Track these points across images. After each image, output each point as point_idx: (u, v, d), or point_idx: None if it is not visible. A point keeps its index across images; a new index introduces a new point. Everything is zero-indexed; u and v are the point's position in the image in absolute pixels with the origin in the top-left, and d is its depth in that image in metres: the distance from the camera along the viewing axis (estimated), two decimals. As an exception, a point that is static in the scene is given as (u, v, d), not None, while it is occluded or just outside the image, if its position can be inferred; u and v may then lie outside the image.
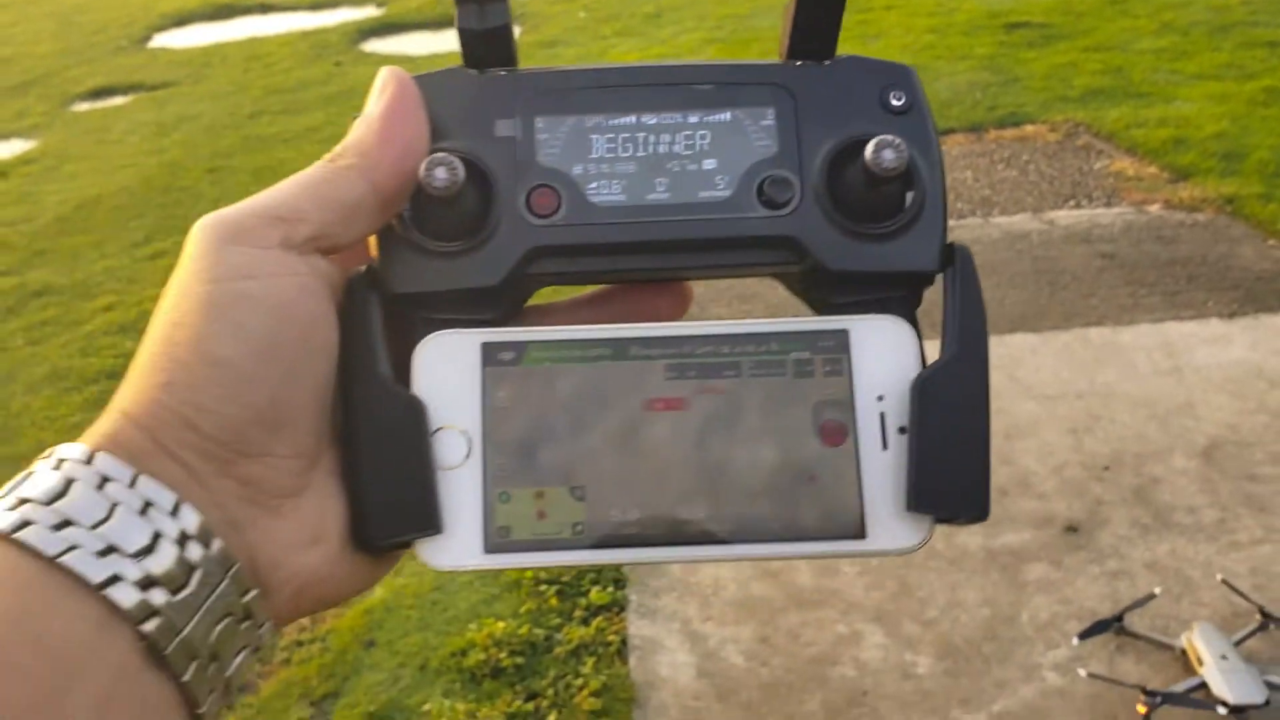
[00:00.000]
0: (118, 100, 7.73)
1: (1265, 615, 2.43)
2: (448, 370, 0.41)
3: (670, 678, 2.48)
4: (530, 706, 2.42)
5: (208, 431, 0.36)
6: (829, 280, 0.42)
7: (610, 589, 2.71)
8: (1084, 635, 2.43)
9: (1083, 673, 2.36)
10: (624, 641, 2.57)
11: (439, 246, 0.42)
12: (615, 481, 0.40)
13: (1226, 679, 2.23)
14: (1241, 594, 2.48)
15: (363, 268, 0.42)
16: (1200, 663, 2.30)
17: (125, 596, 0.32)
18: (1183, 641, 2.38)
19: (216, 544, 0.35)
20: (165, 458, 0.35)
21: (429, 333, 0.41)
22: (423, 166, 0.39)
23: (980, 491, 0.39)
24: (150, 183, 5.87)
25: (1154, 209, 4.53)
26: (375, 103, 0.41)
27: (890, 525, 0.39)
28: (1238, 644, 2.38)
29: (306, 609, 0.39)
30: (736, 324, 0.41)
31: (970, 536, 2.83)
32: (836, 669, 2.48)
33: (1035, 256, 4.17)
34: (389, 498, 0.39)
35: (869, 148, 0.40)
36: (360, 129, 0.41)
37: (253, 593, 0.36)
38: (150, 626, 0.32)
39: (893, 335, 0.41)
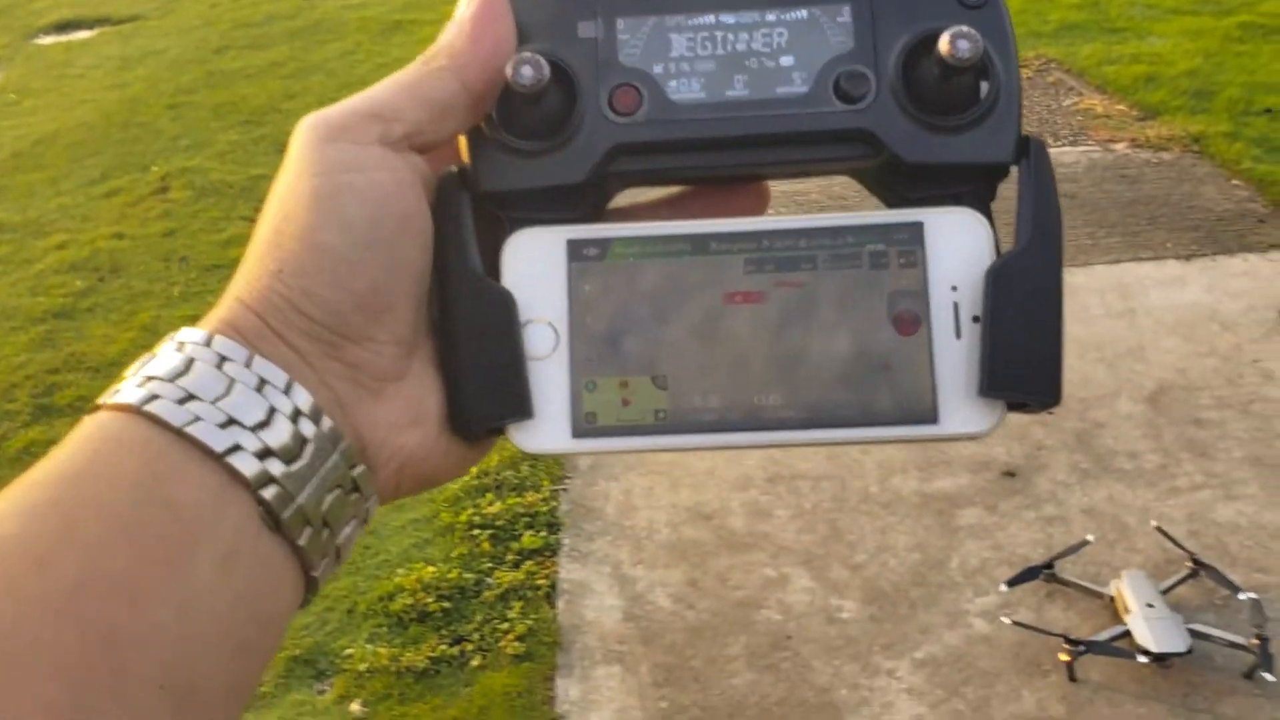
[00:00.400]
0: (83, 34, 7.57)
1: (1196, 563, 2.42)
2: (535, 265, 0.42)
3: (596, 621, 2.47)
4: (455, 651, 2.41)
5: (315, 316, 0.38)
6: (904, 173, 0.43)
7: (544, 533, 2.70)
8: (1012, 582, 2.42)
9: (1007, 620, 2.35)
10: (553, 585, 2.56)
11: (525, 145, 0.43)
12: (696, 371, 0.41)
13: (1150, 627, 2.22)
14: (1175, 541, 2.47)
15: (454, 167, 0.43)
16: (1127, 611, 2.29)
17: (245, 465, 0.35)
18: (1112, 589, 2.37)
19: (326, 421, 0.37)
20: (277, 340, 0.38)
21: (516, 230, 0.43)
22: (509, 65, 0.41)
23: (1053, 376, 0.40)
24: (110, 119, 5.76)
25: (1120, 148, 4.46)
26: (464, 7, 0.43)
27: (963, 410, 0.40)
28: (1166, 592, 2.37)
29: (407, 488, 0.41)
30: (813, 218, 0.42)
31: (905, 480, 2.82)
32: (762, 613, 2.48)
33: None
34: (483, 385, 0.41)
35: (944, 38, 0.40)
36: (451, 32, 0.42)
37: (360, 468, 0.38)
38: (268, 493, 0.35)
39: (967, 227, 0.42)
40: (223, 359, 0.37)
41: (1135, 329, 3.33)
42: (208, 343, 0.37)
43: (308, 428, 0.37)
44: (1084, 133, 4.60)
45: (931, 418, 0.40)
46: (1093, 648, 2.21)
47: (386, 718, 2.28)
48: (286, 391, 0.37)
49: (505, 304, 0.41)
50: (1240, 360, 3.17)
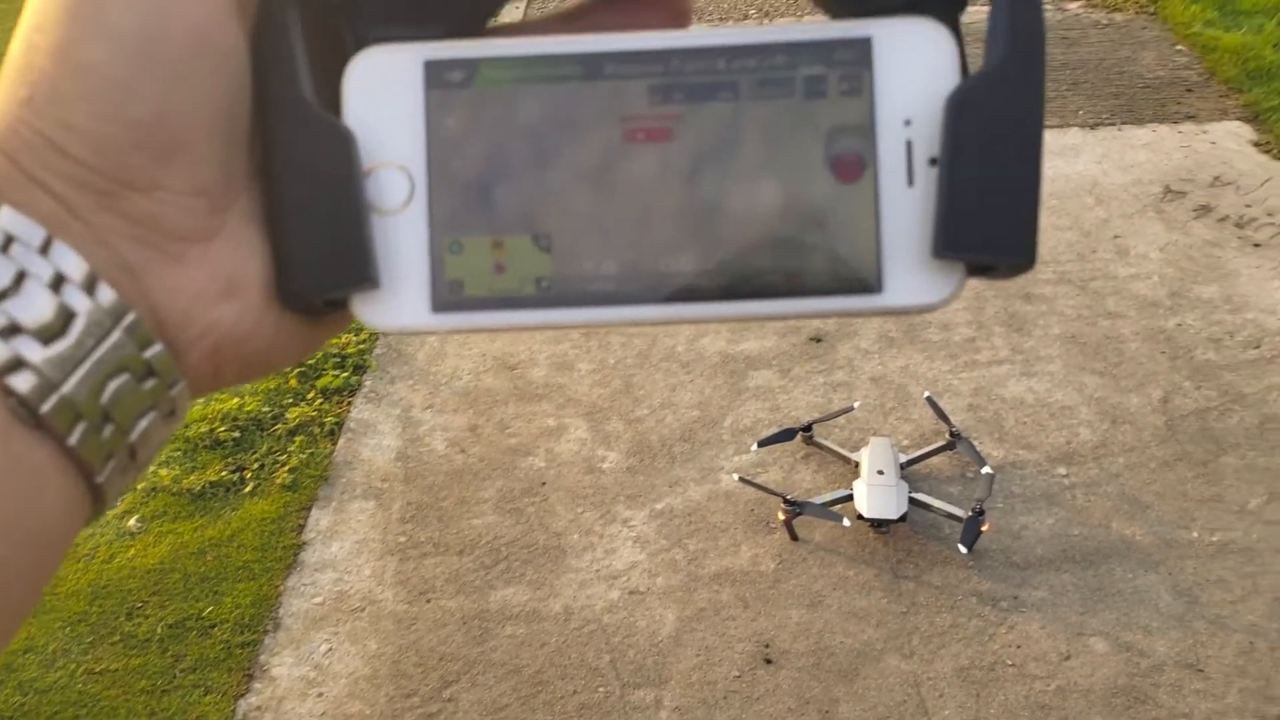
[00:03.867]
0: None
1: (953, 435, 2.42)
2: (384, 94, 0.34)
3: (369, 459, 2.61)
4: (234, 478, 2.58)
5: (79, 155, 0.30)
6: None
7: (348, 374, 2.82)
8: (764, 442, 2.46)
9: (735, 477, 2.41)
10: (339, 424, 2.69)
11: None
12: (587, 227, 0.34)
13: (868, 493, 2.26)
14: (940, 412, 2.47)
15: None
16: (858, 476, 2.33)
17: None
18: (859, 455, 2.40)
19: (105, 291, 0.30)
20: (32, 186, 0.30)
21: (362, 49, 0.35)
22: None
23: (1025, 231, 0.32)
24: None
25: (1073, 7, 4.23)
26: None
27: (912, 276, 0.33)
28: (912, 461, 2.40)
29: (230, 374, 0.34)
30: (735, 32, 0.34)
31: (714, 341, 2.85)
32: (528, 460, 2.58)
33: (921, 55, 3.97)
34: (313, 246, 0.33)
35: None
36: None
37: (155, 348, 0.31)
38: (19, 381, 0.28)
39: (926, 43, 0.33)
40: None
41: (1005, 199, 3.23)
42: None
43: (76, 299, 0.29)
44: (1039, -11, 4.37)
45: (874, 285, 0.33)
46: (805, 509, 2.26)
47: (156, 532, 2.47)
48: (44, 251, 0.29)
49: (342, 142, 0.33)
50: (1101, 236, 3.08)
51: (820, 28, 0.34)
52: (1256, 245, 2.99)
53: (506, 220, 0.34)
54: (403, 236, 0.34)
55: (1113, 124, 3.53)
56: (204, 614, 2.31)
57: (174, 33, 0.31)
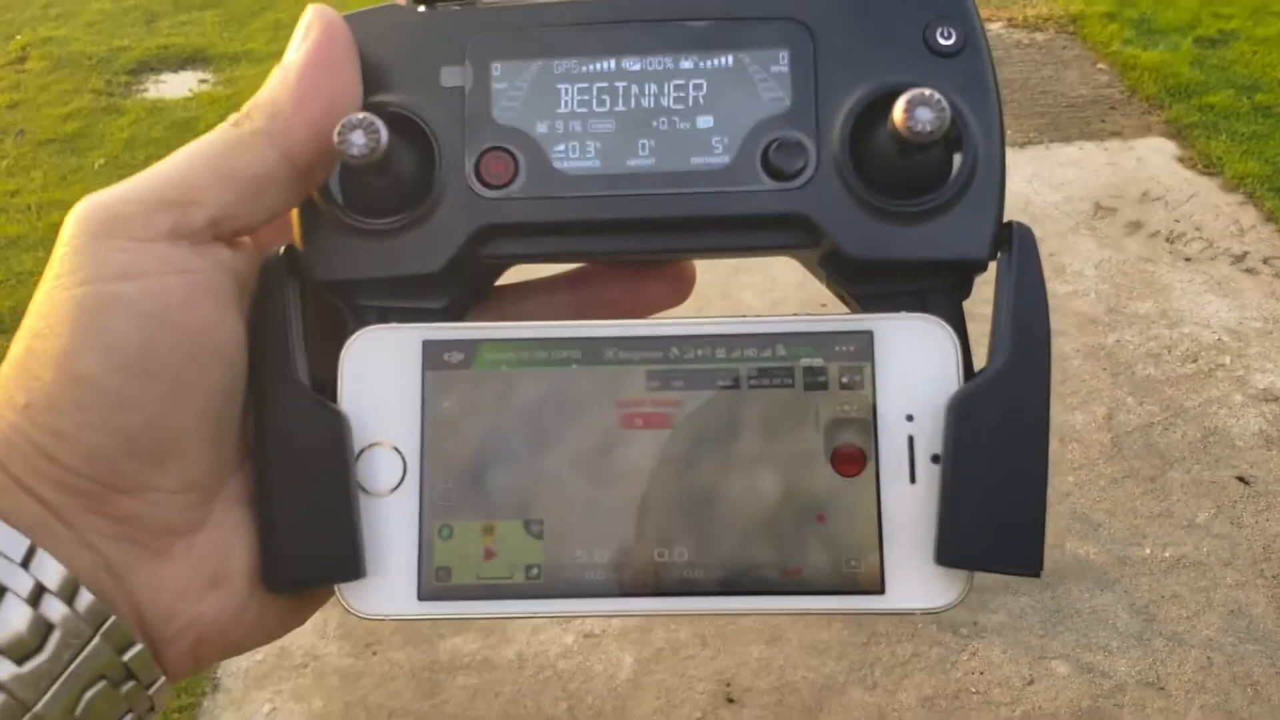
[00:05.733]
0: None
1: (904, 459, 2.40)
2: (381, 374, 0.34)
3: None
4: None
5: (69, 462, 0.30)
6: (851, 269, 0.36)
7: None
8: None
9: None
10: None
11: (370, 224, 0.35)
12: (581, 515, 0.33)
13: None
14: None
15: (281, 248, 0.35)
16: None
17: None
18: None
19: (84, 597, 0.29)
20: (20, 493, 0.30)
21: (361, 328, 0.35)
22: (336, 130, 0.32)
23: (1031, 541, 0.32)
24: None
25: (995, 27, 4.29)
26: (295, 49, 0.34)
27: (916, 578, 0.32)
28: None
29: (211, 659, 0.34)
30: (736, 321, 0.34)
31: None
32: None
33: (849, 78, 4.00)
34: (302, 532, 0.33)
35: (898, 105, 0.32)
36: (274, 83, 0.34)
37: (135, 649, 0.31)
38: None
39: (928, 340, 0.34)
40: None
41: (940, 220, 3.25)
42: None
43: (54, 609, 0.29)
44: (961, 11, 4.44)
45: (876, 586, 0.32)
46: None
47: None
48: (26, 563, 0.29)
49: (332, 426, 0.33)
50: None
51: (822, 320, 0.34)
52: (1187, 259, 3.03)
53: (499, 505, 0.33)
54: (393, 519, 0.33)
55: (1040, 142, 3.57)
56: (137, 678, 2.19)
57: (173, 342, 0.31)
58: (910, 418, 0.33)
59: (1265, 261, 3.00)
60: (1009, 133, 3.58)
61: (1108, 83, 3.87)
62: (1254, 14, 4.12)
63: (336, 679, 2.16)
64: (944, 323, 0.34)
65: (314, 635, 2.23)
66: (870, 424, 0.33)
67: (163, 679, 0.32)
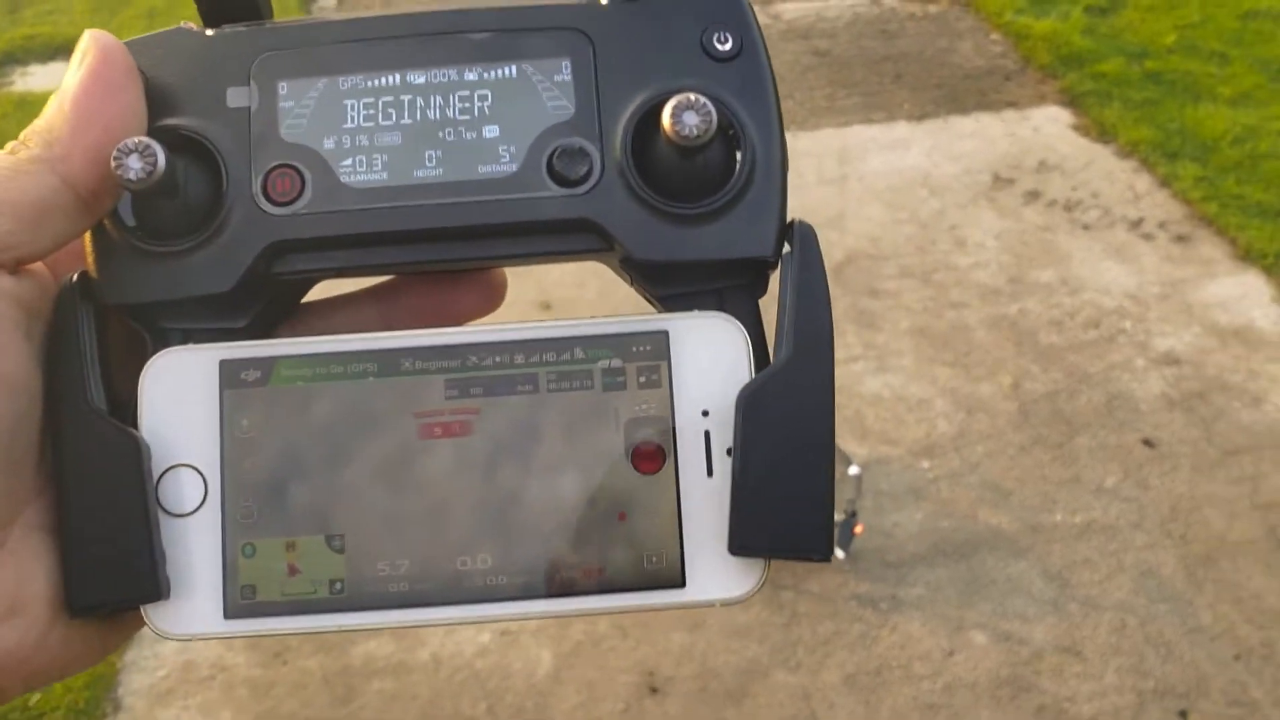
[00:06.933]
0: None
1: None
2: (180, 395, 0.35)
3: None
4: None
5: None
6: (647, 271, 0.37)
7: None
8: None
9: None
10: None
11: (161, 247, 0.35)
12: (382, 527, 0.34)
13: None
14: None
15: (74, 276, 0.35)
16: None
17: None
18: (727, 465, 2.35)
19: None
20: None
21: (158, 351, 0.35)
22: (112, 156, 0.32)
23: (819, 526, 0.33)
24: None
25: (889, 1, 4.31)
26: (71, 75, 0.34)
27: (715, 570, 0.34)
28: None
29: (15, 690, 0.33)
30: (533, 326, 0.35)
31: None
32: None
33: (748, 55, 3.98)
34: (103, 555, 0.33)
35: (665, 110, 0.33)
36: (50, 110, 0.34)
37: None
38: None
39: (720, 337, 0.35)
40: None
41: (843, 196, 3.25)
42: None
43: None
44: (855, -15, 4.44)
45: (676, 581, 0.34)
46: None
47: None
48: None
49: (130, 453, 0.33)
50: (938, 227, 3.11)
51: (618, 322, 0.35)
52: (1086, 227, 3.07)
53: (300, 522, 0.34)
54: (195, 540, 0.34)
55: (938, 115, 3.59)
56: (30, 704, 2.08)
57: None
58: (706, 413, 0.34)
59: (1161, 226, 3.05)
60: (906, 107, 3.58)
61: (1001, 53, 3.92)
62: (1139, -17, 4.20)
63: (245, 690, 2.08)
64: (735, 320, 0.35)
65: (220, 647, 2.14)
66: (669, 421, 0.34)
67: None
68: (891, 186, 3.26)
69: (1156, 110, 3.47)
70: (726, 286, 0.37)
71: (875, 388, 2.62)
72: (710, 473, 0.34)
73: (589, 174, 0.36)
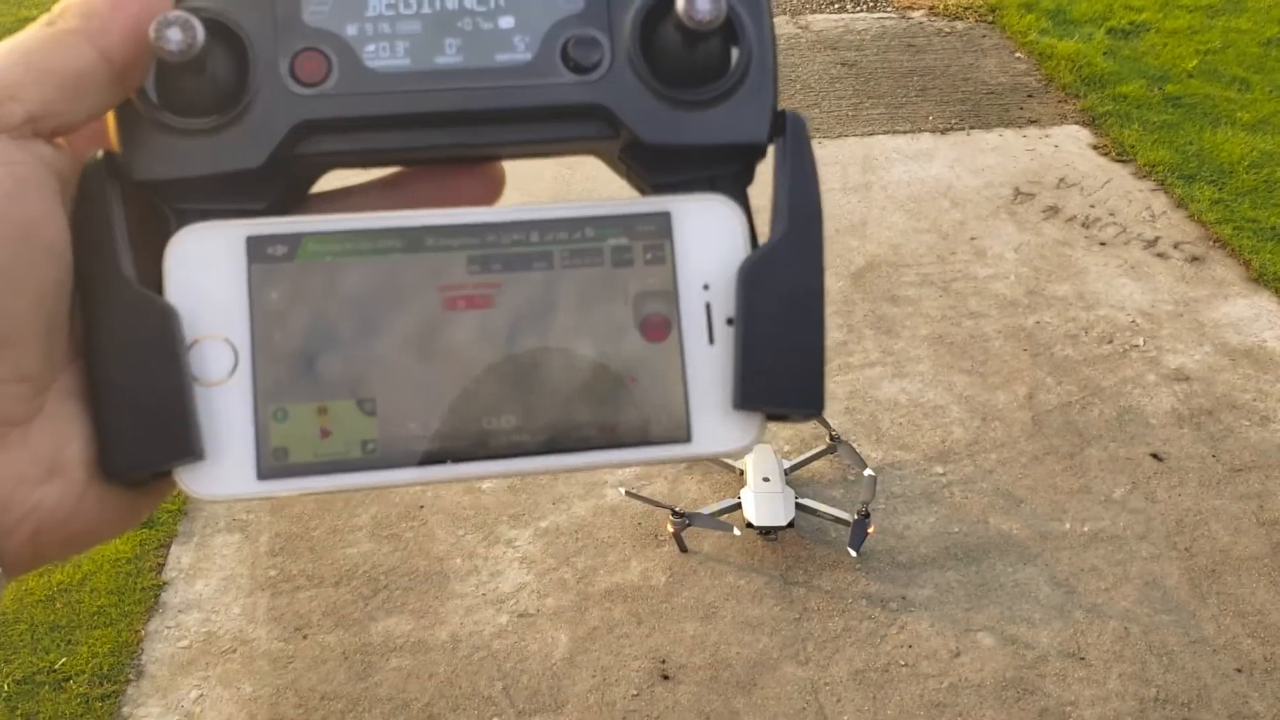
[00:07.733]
0: None
1: (833, 438, 2.43)
2: (207, 269, 0.36)
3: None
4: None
5: None
6: (649, 156, 0.39)
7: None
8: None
9: (621, 491, 2.37)
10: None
11: (188, 124, 0.36)
12: (411, 391, 0.36)
13: (756, 500, 2.25)
14: (820, 418, 2.48)
15: (100, 152, 0.36)
16: (745, 484, 2.32)
17: None
18: (743, 463, 2.39)
19: None
20: None
21: (183, 226, 0.36)
22: (152, 28, 0.33)
23: (813, 384, 0.36)
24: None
25: (917, 15, 4.36)
26: None
27: (718, 425, 0.36)
28: (796, 467, 2.40)
29: (53, 553, 0.34)
30: (547, 207, 0.37)
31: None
32: (403, 483, 2.48)
33: (774, 63, 4.04)
34: (137, 420, 0.34)
35: None
36: None
37: None
38: None
39: (719, 217, 0.37)
40: None
41: (866, 203, 3.29)
42: None
43: None
44: (883, -2, 4.49)
45: (684, 436, 0.36)
46: (694, 520, 2.23)
47: None
48: None
49: (163, 318, 0.34)
50: (959, 238, 3.16)
51: (624, 203, 0.37)
52: (1102, 244, 3.11)
53: (331, 387, 0.35)
54: (227, 407, 0.35)
55: (962, 129, 3.63)
56: (57, 666, 2.13)
57: (3, 231, 0.32)
58: (707, 286, 0.37)
59: (1176, 246, 3.10)
60: (932, 120, 3.63)
61: (1025, 71, 3.96)
62: (1164, 7, 4.25)
63: (266, 663, 2.13)
64: (732, 201, 0.38)
65: (242, 619, 2.19)
66: (673, 294, 0.37)
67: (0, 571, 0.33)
68: (914, 196, 3.31)
69: (1175, 133, 3.52)
70: (718, 175, 0.39)
71: (892, 393, 2.66)
72: (712, 340, 0.37)
73: (600, 61, 0.38)
